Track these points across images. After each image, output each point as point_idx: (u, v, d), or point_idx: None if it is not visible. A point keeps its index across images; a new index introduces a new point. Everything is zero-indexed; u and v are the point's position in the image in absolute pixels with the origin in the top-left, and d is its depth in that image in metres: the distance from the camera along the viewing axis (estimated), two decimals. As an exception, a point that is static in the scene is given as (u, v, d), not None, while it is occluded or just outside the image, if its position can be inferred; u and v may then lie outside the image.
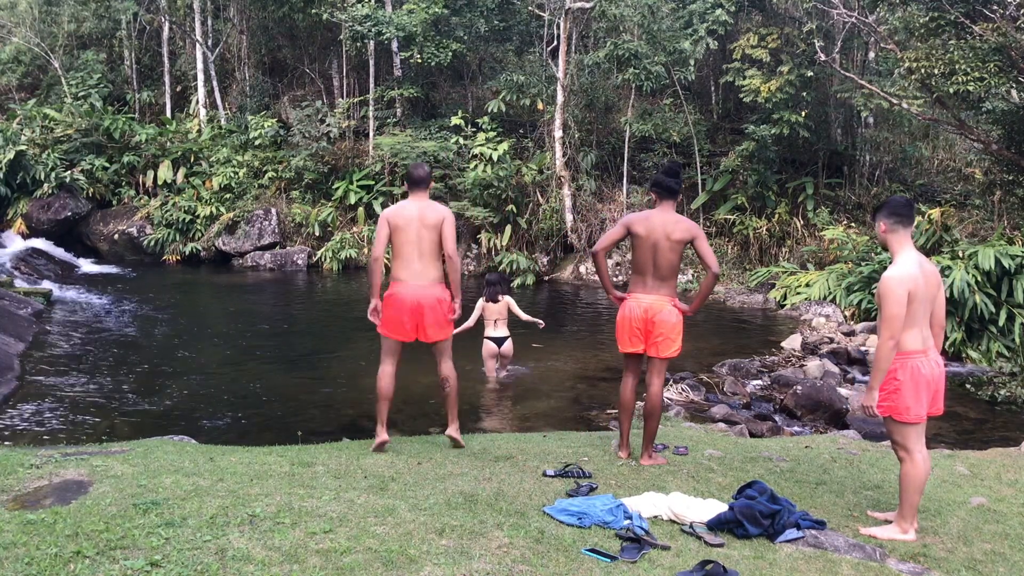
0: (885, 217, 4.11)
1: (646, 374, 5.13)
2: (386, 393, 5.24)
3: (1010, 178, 13.14)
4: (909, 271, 3.97)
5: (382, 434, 5.20)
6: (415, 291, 5.20)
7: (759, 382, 8.99)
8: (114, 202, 19.76)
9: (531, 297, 15.69)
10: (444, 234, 5.23)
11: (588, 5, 17.22)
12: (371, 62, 19.50)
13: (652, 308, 4.93)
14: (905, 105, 13.70)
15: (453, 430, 5.36)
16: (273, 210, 18.86)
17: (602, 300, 14.23)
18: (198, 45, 20.89)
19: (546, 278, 16.97)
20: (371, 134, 19.28)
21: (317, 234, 18.37)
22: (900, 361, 4.02)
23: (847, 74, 15.15)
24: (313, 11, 18.79)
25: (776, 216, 15.87)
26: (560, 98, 17.16)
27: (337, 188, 18.81)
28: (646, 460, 5.09)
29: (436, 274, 5.27)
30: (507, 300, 8.58)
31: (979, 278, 10.79)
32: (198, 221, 18.76)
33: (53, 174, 18.68)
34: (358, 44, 18.69)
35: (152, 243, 18.70)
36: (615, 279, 15.33)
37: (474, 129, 17.91)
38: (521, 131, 18.99)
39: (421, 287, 5.21)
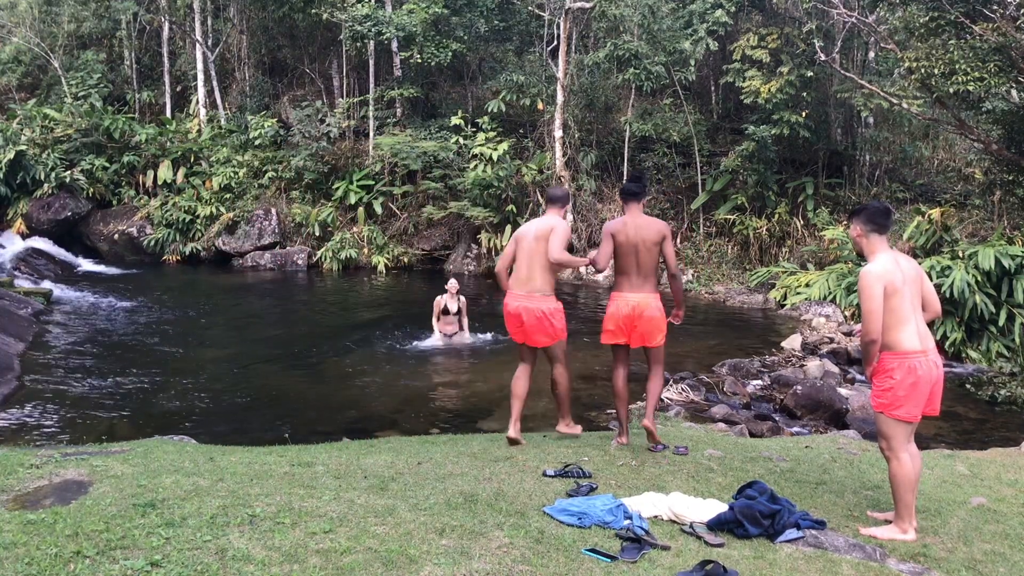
0: (862, 223, 4.14)
1: (648, 364, 5.46)
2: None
3: (1010, 178, 13.13)
4: (885, 266, 4.01)
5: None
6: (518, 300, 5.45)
7: (759, 382, 8.99)
8: (114, 202, 19.77)
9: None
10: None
11: (588, 5, 17.22)
12: (371, 62, 19.51)
13: (639, 306, 5.29)
14: (905, 105, 13.69)
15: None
16: (273, 210, 18.87)
17: (602, 300, 14.23)
18: (198, 45, 20.90)
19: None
20: (371, 134, 19.28)
21: (317, 234, 18.37)
22: (897, 360, 4.02)
23: (847, 74, 15.14)
24: (313, 11, 18.80)
25: (776, 216, 15.87)
26: (560, 98, 17.16)
27: (337, 188, 18.81)
28: (648, 421, 5.39)
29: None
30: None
31: (979, 278, 10.79)
32: (198, 221, 18.76)
33: (53, 174, 18.68)
34: (358, 44, 18.70)
35: (152, 243, 18.70)
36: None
37: (474, 129, 17.90)
38: (521, 131, 18.99)
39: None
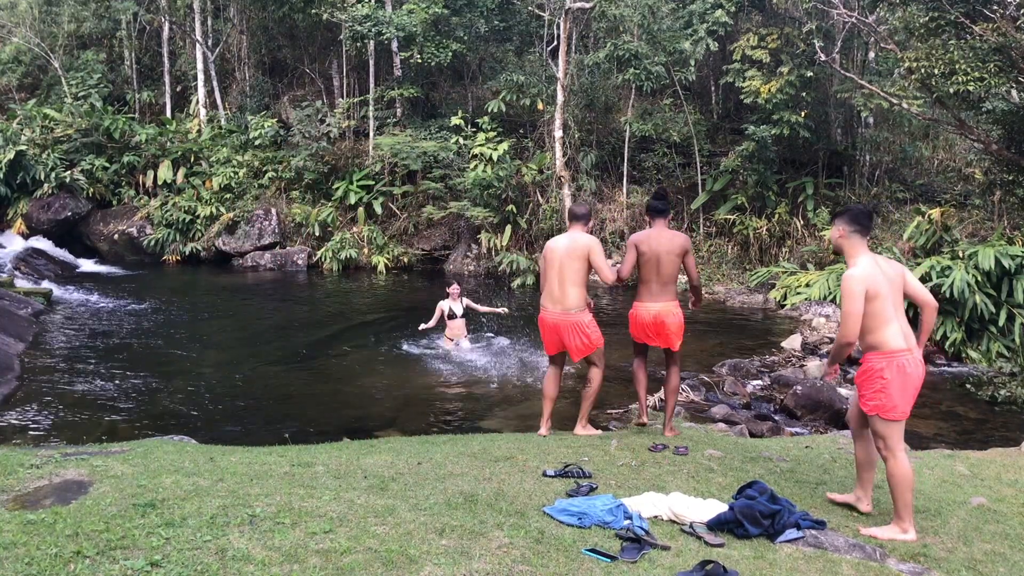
0: (845, 223, 4.22)
1: (666, 364, 6.00)
2: (550, 393, 6.08)
3: (1010, 178, 13.13)
4: (866, 270, 4.10)
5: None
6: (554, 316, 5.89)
7: (759, 382, 8.99)
8: (114, 202, 19.77)
9: (531, 297, 15.67)
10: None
11: (588, 5, 17.21)
12: (371, 62, 19.50)
13: (660, 314, 5.77)
14: (905, 105, 13.69)
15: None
16: (273, 210, 18.87)
17: (601, 300, 14.24)
18: (198, 45, 20.90)
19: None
20: (371, 134, 19.28)
21: (317, 234, 18.38)
22: (886, 360, 4.05)
23: (847, 74, 15.14)
24: (313, 11, 18.80)
25: (776, 216, 15.87)
26: (560, 98, 17.16)
27: (337, 188, 18.81)
28: (669, 432, 5.93)
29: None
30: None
31: (979, 278, 10.78)
32: (198, 221, 18.76)
33: (53, 174, 18.68)
34: (358, 44, 18.69)
35: (152, 243, 18.70)
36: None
37: (474, 129, 17.90)
38: (521, 131, 18.99)
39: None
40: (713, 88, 19.29)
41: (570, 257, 5.75)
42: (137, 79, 22.61)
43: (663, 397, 6.46)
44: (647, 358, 6.09)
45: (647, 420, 6.10)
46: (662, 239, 5.74)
